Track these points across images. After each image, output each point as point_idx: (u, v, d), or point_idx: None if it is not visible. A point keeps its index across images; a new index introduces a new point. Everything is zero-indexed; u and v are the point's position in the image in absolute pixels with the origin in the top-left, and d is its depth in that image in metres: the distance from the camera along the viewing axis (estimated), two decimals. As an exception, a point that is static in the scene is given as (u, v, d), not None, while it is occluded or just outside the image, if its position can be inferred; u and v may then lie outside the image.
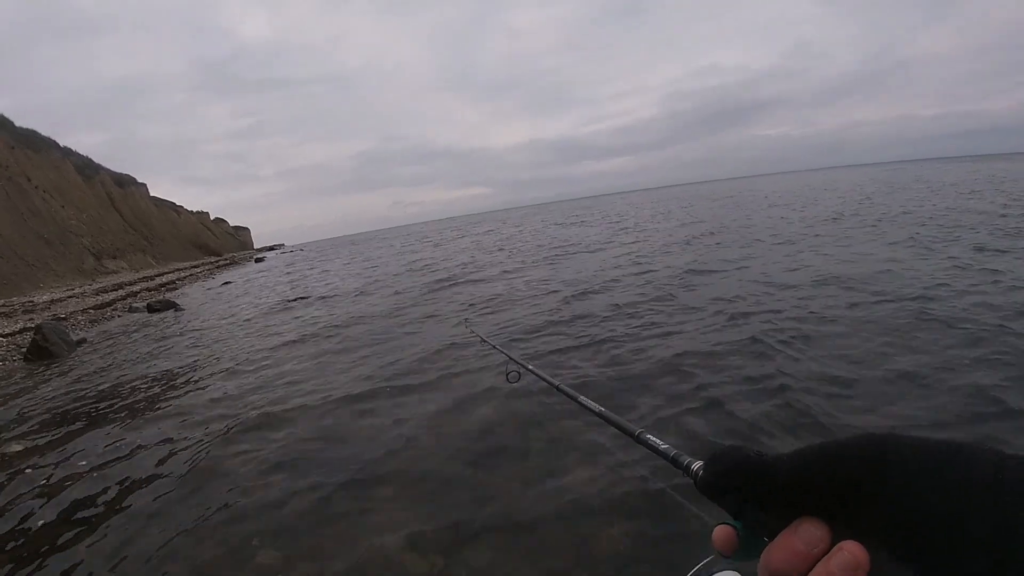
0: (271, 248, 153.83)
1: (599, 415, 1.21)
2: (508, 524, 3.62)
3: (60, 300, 25.55)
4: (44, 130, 61.78)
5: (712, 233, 19.39)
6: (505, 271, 16.19)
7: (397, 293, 15.17)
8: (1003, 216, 14.57)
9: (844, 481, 0.40)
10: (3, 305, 22.87)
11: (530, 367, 2.23)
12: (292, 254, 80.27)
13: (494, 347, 3.17)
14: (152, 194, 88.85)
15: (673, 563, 3.05)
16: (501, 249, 26.16)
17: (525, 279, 14.10)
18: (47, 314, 19.57)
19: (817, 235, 15.05)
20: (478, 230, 57.63)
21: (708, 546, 0.50)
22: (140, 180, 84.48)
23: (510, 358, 2.57)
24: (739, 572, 0.64)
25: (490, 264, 19.28)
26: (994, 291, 7.19)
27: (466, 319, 8.27)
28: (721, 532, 0.48)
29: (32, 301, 24.69)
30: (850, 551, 0.38)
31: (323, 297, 16.86)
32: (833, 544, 0.39)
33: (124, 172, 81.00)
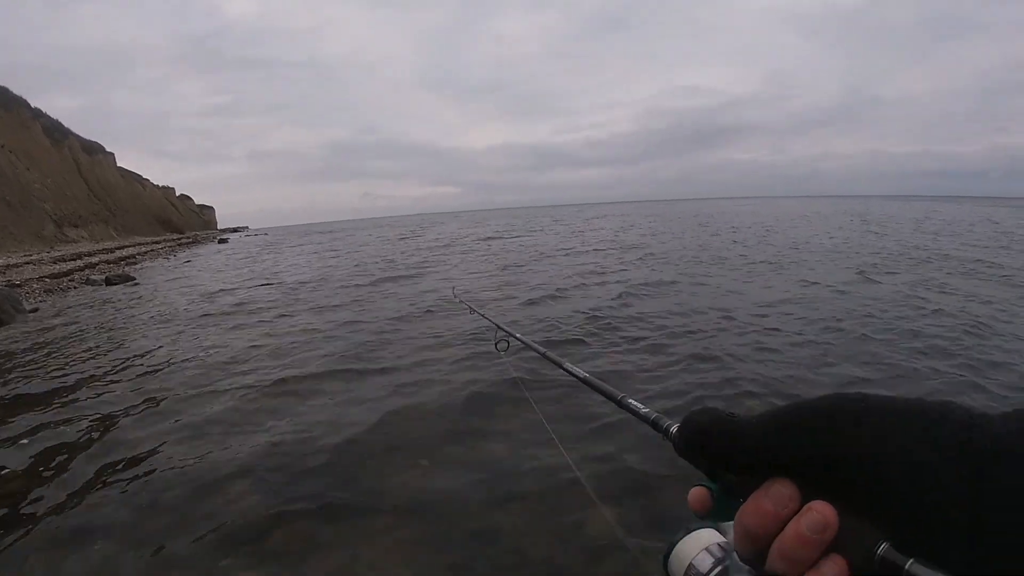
0: (235, 230, 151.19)
1: (584, 381, 1.23)
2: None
3: (16, 265, 25.21)
4: (16, 89, 60.43)
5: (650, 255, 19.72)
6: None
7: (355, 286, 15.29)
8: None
9: (813, 441, 0.40)
10: (-45, 265, 22.57)
11: (518, 335, 2.24)
12: (257, 238, 78.59)
13: (483, 316, 3.19)
14: (119, 164, 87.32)
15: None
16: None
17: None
18: (1, 279, 19.39)
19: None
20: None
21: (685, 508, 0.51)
22: (109, 149, 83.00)
23: (498, 327, 2.56)
24: (716, 531, 0.66)
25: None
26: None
27: (454, 289, 7.95)
28: (696, 493, 0.49)
29: (-14, 263, 24.38)
30: (819, 511, 0.38)
31: (293, 286, 16.43)
32: (803, 504, 0.40)
33: (93, 140, 79.58)
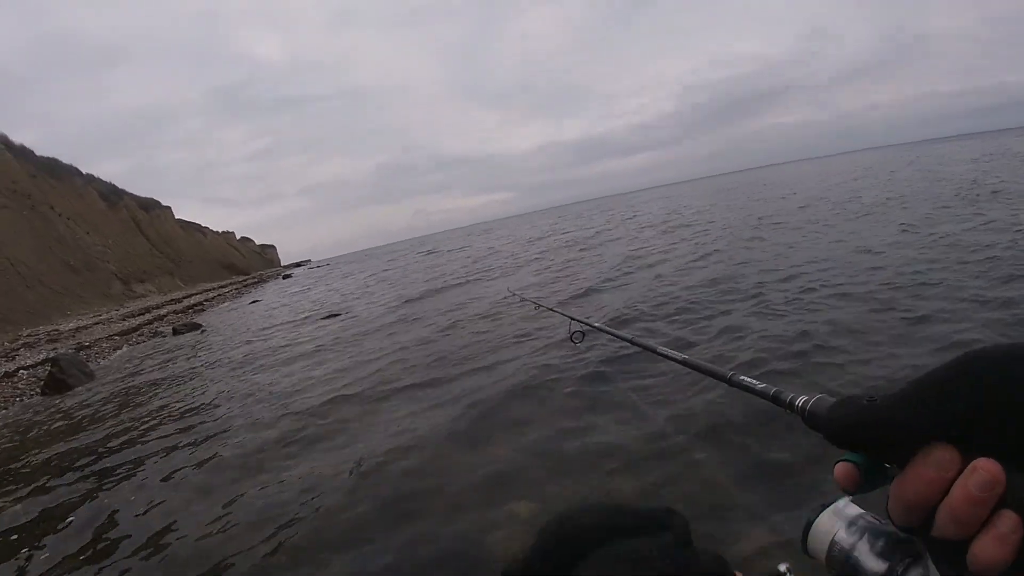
0: (298, 264, 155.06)
1: (683, 362, 1.19)
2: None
3: (86, 327, 25.35)
4: (65, 159, 62.57)
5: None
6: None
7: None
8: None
9: (966, 402, 0.38)
10: (28, 335, 22.60)
11: (596, 324, 2.18)
12: (318, 270, 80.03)
13: (551, 310, 3.19)
14: (177, 216, 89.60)
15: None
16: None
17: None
18: (72, 342, 19.22)
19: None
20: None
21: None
22: (164, 203, 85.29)
23: (572, 319, 2.53)
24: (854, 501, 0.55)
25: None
26: None
27: (508, 288, 8.16)
28: (843, 469, 0.48)
29: (58, 329, 24.45)
30: (985, 468, 0.37)
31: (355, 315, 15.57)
32: (964, 465, 0.39)
33: (149, 196, 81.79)
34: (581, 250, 21.01)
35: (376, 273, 36.23)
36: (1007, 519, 0.36)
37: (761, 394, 0.80)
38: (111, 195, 67.93)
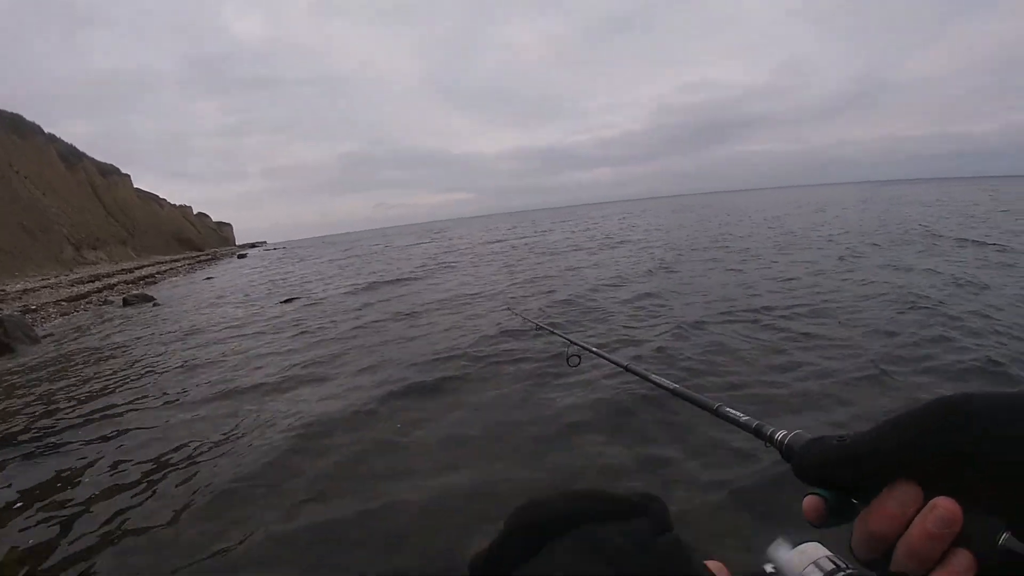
0: (253, 245, 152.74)
1: (674, 392, 1.21)
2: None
3: (33, 290, 24.79)
4: (30, 116, 60.85)
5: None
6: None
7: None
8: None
9: (930, 444, 0.41)
10: (-28, 293, 22.05)
11: (593, 349, 2.15)
12: (274, 252, 79.25)
13: (552, 331, 3.09)
14: (136, 186, 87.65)
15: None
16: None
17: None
18: (18, 304, 18.80)
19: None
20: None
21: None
22: (124, 171, 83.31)
23: (570, 342, 2.44)
24: (821, 543, 0.60)
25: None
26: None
27: (508, 304, 8.09)
28: (811, 502, 0.49)
29: (4, 290, 23.89)
30: (943, 506, 0.39)
31: (315, 302, 15.31)
32: (925, 502, 0.40)
33: (109, 162, 79.88)
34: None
35: (335, 260, 36.26)
36: (962, 558, 0.39)
37: (744, 426, 0.84)
38: (71, 156, 66.27)
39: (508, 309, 6.10)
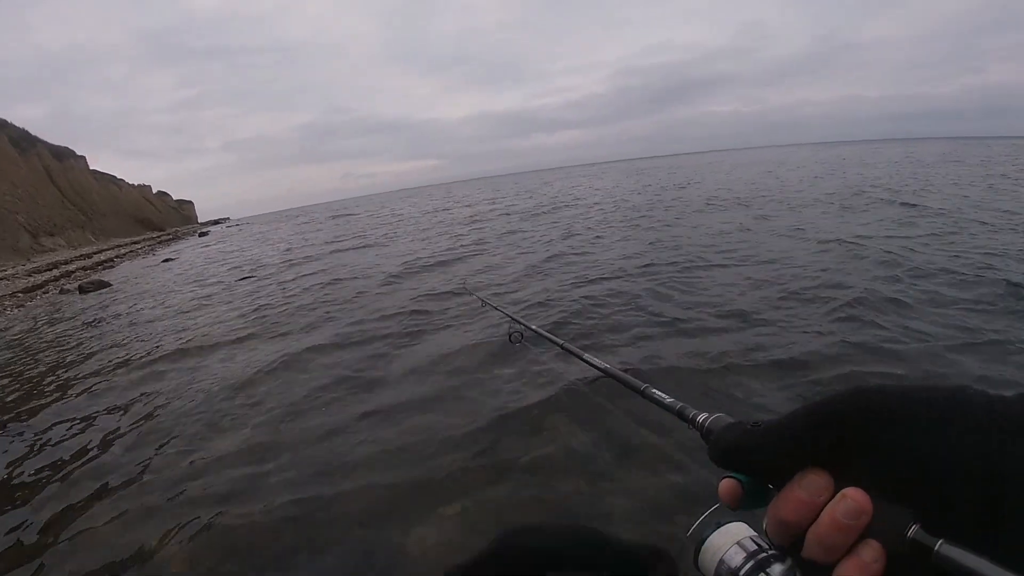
0: (216, 222, 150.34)
1: (604, 371, 1.24)
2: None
3: (-10, 282, 24.72)
4: (-24, 101, 59.26)
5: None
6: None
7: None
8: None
9: (839, 436, 0.42)
10: (-72, 289, 22.08)
11: (533, 327, 2.23)
12: (238, 228, 79.37)
13: (496, 308, 3.16)
14: (92, 167, 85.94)
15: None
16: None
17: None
18: (-26, 298, 18.94)
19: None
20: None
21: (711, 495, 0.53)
22: (80, 153, 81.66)
23: (512, 319, 2.55)
24: (746, 523, 0.63)
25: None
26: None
27: (464, 282, 8.36)
28: (727, 485, 0.51)
29: (-40, 284, 23.87)
30: (852, 497, 0.40)
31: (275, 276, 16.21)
32: (836, 492, 0.42)
33: (63, 145, 78.19)
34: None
35: (300, 233, 36.77)
36: (870, 549, 0.40)
37: (668, 408, 0.84)
38: (23, 142, 64.72)
39: (463, 286, 6.54)
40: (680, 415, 0.78)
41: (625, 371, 1.14)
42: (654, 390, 0.95)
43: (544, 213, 23.34)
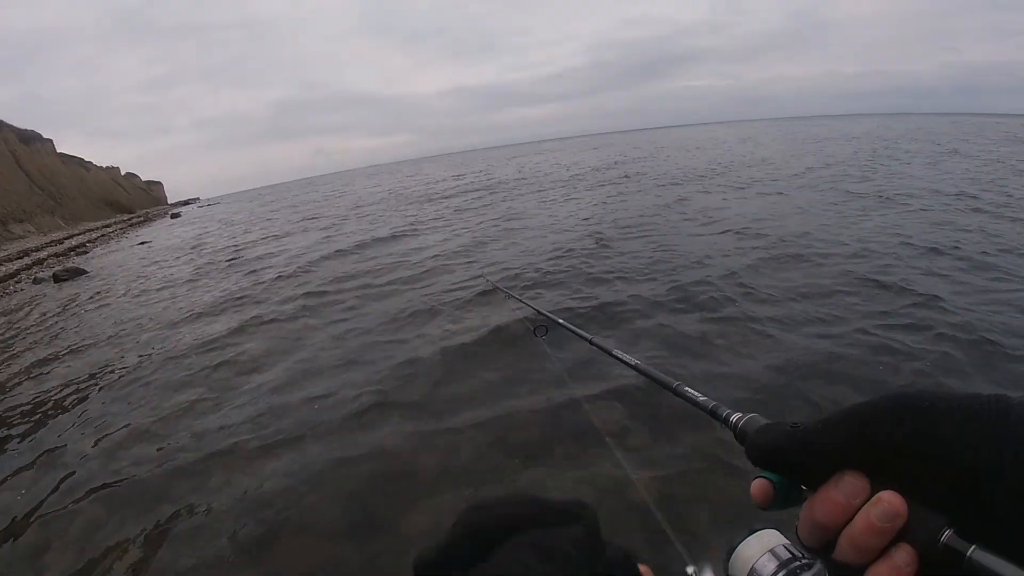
0: (186, 202, 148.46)
1: (636, 368, 1.20)
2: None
3: (-40, 274, 24.29)
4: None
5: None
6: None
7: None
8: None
9: (882, 438, 0.42)
10: None
11: (560, 320, 2.14)
12: (209, 208, 78.93)
13: (520, 300, 3.10)
14: (59, 150, 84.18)
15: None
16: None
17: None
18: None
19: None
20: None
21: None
22: (46, 136, 79.96)
23: (538, 311, 2.49)
24: (779, 530, 0.64)
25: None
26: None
27: (483, 272, 8.25)
28: (759, 485, 0.52)
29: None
30: (888, 501, 0.41)
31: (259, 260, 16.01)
32: (872, 495, 0.42)
33: (29, 128, 76.48)
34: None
35: (276, 211, 37.66)
36: (904, 552, 0.40)
37: (702, 407, 0.83)
38: (-13, 127, 63.49)
39: (482, 277, 6.54)
40: (713, 414, 0.78)
41: (656, 368, 1.09)
42: (687, 388, 0.92)
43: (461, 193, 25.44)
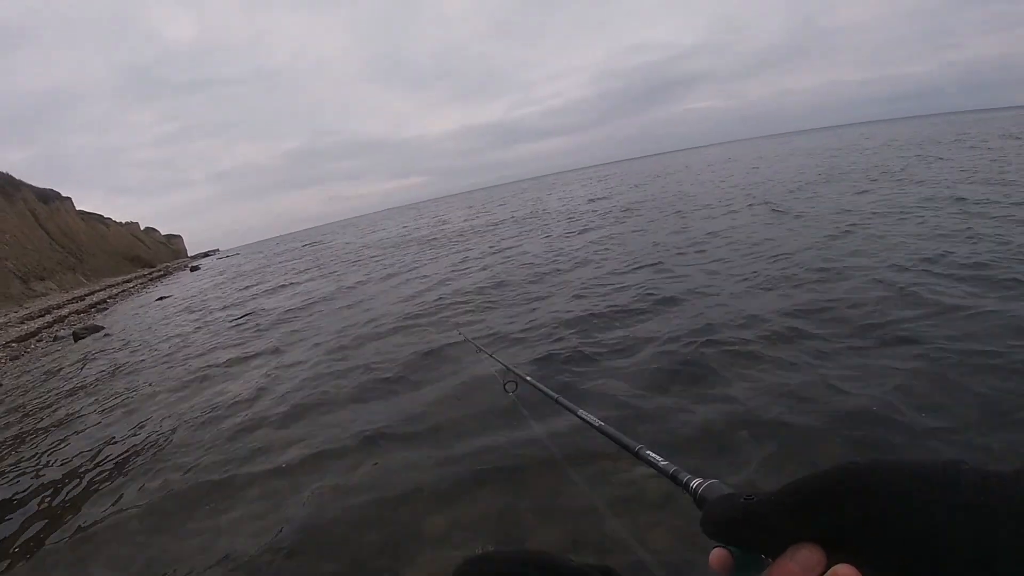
0: (206, 254, 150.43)
1: (599, 429, 1.21)
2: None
3: (-17, 333, 24.48)
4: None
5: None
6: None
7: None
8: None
9: (833, 513, 0.42)
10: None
11: (528, 378, 2.18)
12: (228, 259, 79.22)
13: (491, 356, 3.15)
14: (79, 208, 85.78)
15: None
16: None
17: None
18: (-32, 352, 18.69)
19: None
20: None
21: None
22: (65, 194, 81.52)
23: (508, 368, 2.52)
24: None
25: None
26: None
27: (459, 327, 7.94)
28: (718, 555, 0.51)
29: (-48, 337, 23.63)
30: (843, 574, 0.40)
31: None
32: (828, 567, 0.41)
33: (49, 187, 78.07)
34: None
35: (295, 261, 36.69)
36: None
37: (662, 471, 0.83)
38: (7, 187, 64.58)
39: (457, 331, 6.45)
40: (674, 479, 0.78)
41: (620, 430, 1.12)
42: (648, 451, 0.93)
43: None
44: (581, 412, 1.40)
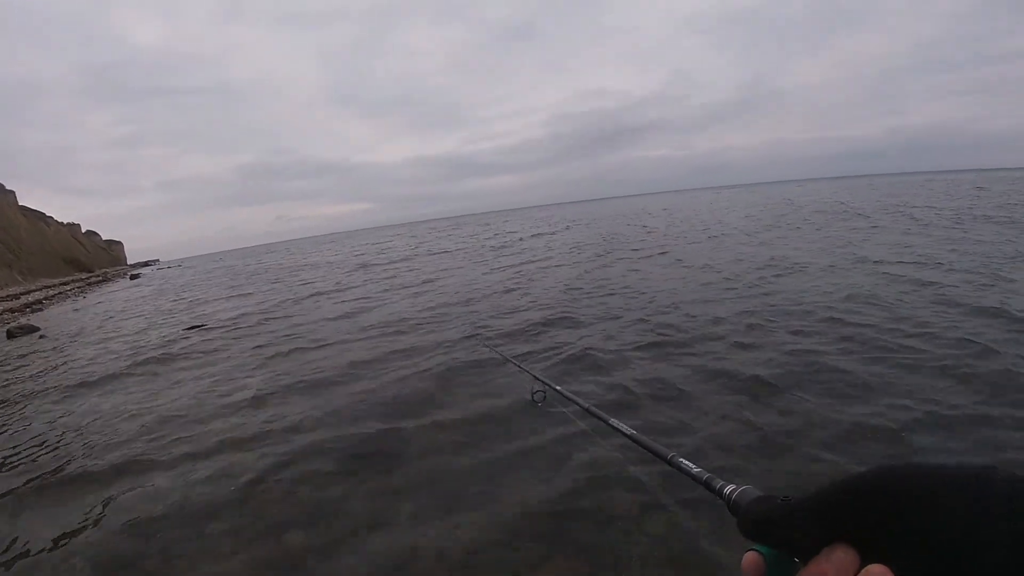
0: (146, 263, 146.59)
1: (630, 437, 1.20)
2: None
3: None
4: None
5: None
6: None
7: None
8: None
9: (869, 515, 0.43)
10: None
11: (558, 388, 2.15)
12: (168, 270, 77.39)
13: (519, 367, 3.06)
14: (22, 203, 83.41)
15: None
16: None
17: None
18: None
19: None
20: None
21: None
22: (9, 187, 79.31)
23: (536, 378, 2.48)
24: None
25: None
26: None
27: (479, 335, 7.80)
28: (750, 558, 0.52)
29: None
30: (876, 574, 0.40)
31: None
32: (862, 568, 0.42)
33: (-8, 180, 75.80)
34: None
35: (239, 276, 36.47)
36: None
37: (696, 478, 0.82)
38: (-53, 177, 62.77)
39: (475, 337, 6.34)
40: (707, 486, 0.78)
41: (652, 438, 1.12)
42: (681, 459, 0.93)
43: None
44: (612, 421, 1.40)
